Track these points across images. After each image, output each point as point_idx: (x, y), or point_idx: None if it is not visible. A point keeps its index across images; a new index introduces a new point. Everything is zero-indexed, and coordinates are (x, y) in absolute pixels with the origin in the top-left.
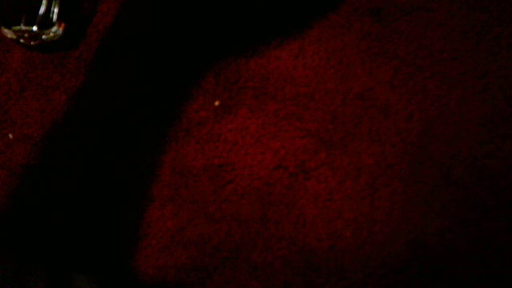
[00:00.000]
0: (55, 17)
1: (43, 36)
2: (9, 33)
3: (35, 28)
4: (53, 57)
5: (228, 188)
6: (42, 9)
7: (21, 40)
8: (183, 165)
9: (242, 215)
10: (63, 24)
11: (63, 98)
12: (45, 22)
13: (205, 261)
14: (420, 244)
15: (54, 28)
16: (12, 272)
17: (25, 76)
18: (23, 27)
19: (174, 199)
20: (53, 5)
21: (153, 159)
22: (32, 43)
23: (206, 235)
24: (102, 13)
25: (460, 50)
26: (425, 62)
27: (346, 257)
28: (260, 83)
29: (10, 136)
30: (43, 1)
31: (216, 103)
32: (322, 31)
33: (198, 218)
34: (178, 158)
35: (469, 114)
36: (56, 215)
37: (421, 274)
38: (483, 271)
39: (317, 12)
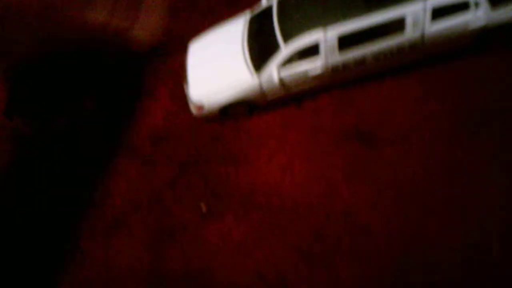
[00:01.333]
0: None
1: None
2: None
3: None
4: None
5: None
6: None
7: None
8: (163, 265)
9: None
10: None
11: None
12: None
13: None
14: None
15: None
16: None
17: None
18: None
19: None
20: None
21: (133, 256)
22: None
23: None
24: None
25: (439, 181)
26: (406, 190)
27: None
28: (248, 193)
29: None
30: None
31: (204, 209)
32: (311, 149)
33: None
34: (159, 260)
35: (445, 241)
36: None
37: None
38: None
39: (308, 129)
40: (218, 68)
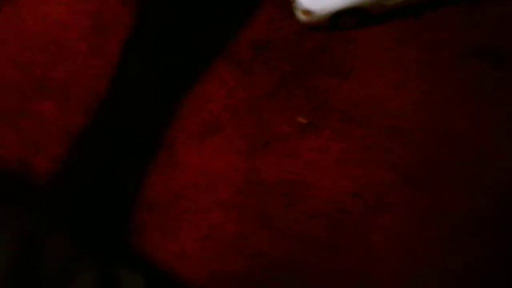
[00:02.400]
0: None
1: None
2: None
3: None
4: None
5: (299, 208)
6: None
7: None
8: (257, 175)
9: (308, 236)
10: None
11: None
12: None
13: (258, 275)
14: None
15: None
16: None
17: None
18: None
19: (242, 207)
20: None
21: (228, 162)
22: None
23: (267, 249)
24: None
25: None
26: None
27: None
28: (351, 108)
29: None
30: None
31: (304, 120)
32: (429, 66)
33: (262, 231)
34: (254, 168)
35: None
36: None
37: None
38: None
39: (427, 45)
40: None
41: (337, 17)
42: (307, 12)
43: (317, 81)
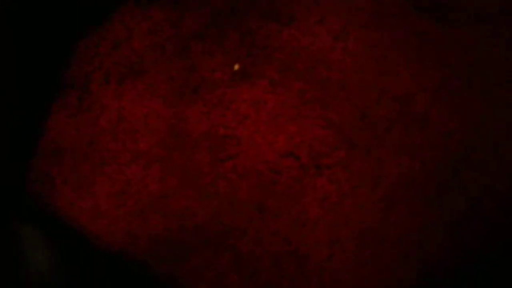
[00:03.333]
0: None
1: None
2: None
3: None
4: None
5: (228, 164)
6: None
7: None
8: (183, 125)
9: (238, 197)
10: None
11: None
12: None
13: (184, 237)
14: (429, 274)
15: None
16: None
17: None
18: None
19: (164, 161)
20: None
21: (150, 108)
22: None
23: (192, 209)
24: None
25: None
26: (476, 78)
27: (343, 273)
28: (289, 57)
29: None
30: None
31: (236, 66)
32: (371, 17)
33: (187, 188)
34: (179, 117)
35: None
36: None
37: None
38: None
39: None
40: None
41: None
42: None
43: (255, 24)
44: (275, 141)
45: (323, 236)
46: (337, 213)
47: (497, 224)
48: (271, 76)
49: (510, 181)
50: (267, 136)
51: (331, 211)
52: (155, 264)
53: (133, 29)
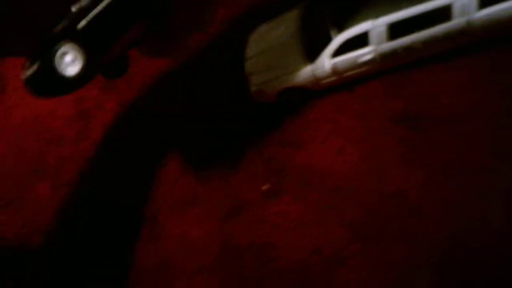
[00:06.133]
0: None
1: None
2: None
3: None
4: None
5: (269, 267)
6: None
7: None
8: (231, 240)
9: None
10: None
11: None
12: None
13: None
14: None
15: None
16: None
17: None
18: None
19: (222, 270)
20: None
21: (206, 230)
22: None
23: None
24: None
25: (489, 164)
26: (456, 172)
27: None
28: (305, 174)
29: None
30: None
31: (264, 187)
32: (363, 132)
33: None
34: (228, 234)
35: (491, 225)
36: None
37: None
38: None
39: (360, 114)
40: (275, 58)
41: (283, 95)
42: (259, 92)
43: (274, 152)
44: (302, 242)
45: None
46: None
47: None
48: (292, 191)
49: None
50: (296, 239)
51: None
52: None
53: (187, 169)
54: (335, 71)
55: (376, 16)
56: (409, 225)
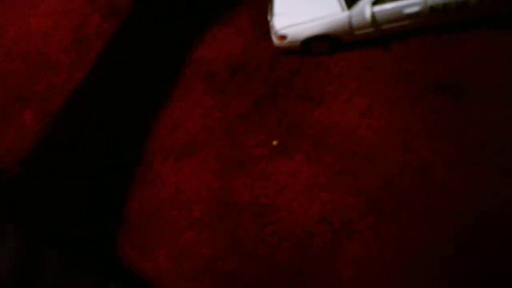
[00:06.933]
0: None
1: None
2: None
3: None
4: None
5: (269, 230)
6: None
7: None
8: (230, 196)
9: (277, 261)
10: None
11: None
12: None
13: None
14: None
15: None
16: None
17: None
18: None
19: (214, 228)
20: None
21: (202, 182)
22: None
23: (238, 272)
24: None
25: None
26: (490, 151)
27: None
28: (321, 133)
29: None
30: None
31: (274, 142)
32: (394, 96)
33: (233, 253)
34: (227, 188)
35: None
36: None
37: None
38: None
39: (393, 74)
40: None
41: (309, 43)
42: (281, 37)
43: (290, 105)
44: (309, 208)
45: None
46: (368, 277)
47: None
48: (306, 150)
49: None
50: (303, 204)
51: (363, 276)
52: None
53: (188, 113)
54: (374, 21)
55: None
56: (431, 202)
